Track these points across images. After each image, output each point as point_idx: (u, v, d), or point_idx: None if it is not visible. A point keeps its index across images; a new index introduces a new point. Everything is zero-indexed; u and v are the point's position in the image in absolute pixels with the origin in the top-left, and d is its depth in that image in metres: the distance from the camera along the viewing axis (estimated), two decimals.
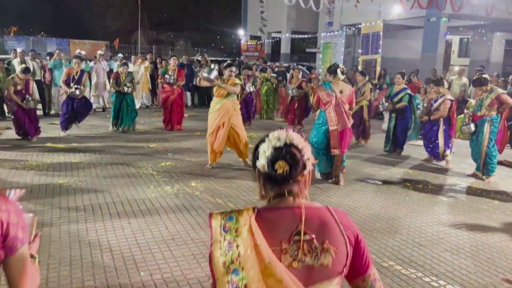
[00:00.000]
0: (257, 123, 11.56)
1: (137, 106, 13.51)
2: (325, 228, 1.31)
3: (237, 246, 1.24)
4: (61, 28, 31.38)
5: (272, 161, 1.32)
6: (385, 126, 10.87)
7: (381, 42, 15.65)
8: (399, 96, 8.08)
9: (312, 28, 21.62)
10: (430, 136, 7.35)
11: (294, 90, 10.49)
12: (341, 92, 5.92)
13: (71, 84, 8.60)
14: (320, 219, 1.33)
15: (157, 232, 4.15)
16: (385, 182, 6.26)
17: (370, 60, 16.22)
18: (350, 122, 5.94)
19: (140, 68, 13.22)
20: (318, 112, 6.24)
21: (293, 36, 22.79)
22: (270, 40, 24.35)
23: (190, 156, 7.39)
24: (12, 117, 8.38)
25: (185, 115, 11.83)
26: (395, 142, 8.27)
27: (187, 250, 3.79)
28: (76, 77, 8.67)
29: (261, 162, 1.34)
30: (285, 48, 22.71)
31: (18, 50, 11.43)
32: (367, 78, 9.54)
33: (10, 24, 33.12)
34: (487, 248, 4.12)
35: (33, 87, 8.76)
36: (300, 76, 10.88)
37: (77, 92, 8.61)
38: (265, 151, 1.34)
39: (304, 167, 1.34)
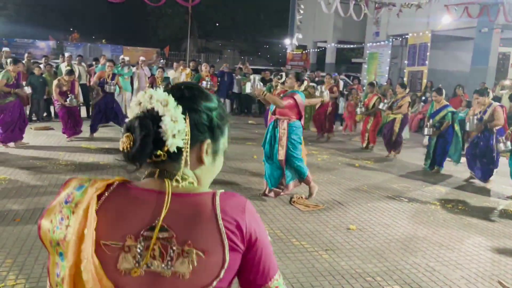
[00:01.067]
0: None
1: None
2: (194, 223, 0.96)
3: (67, 227, 0.93)
4: (119, 35, 32.93)
5: (122, 133, 0.99)
6: (425, 141, 10.38)
7: (428, 53, 15.01)
8: (440, 114, 7.58)
9: (359, 38, 21.20)
10: (486, 153, 6.80)
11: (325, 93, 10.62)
12: None
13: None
14: (193, 210, 0.97)
15: None
16: (412, 200, 5.91)
17: (416, 71, 15.60)
18: None
19: (181, 75, 13.49)
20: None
21: (338, 46, 22.43)
22: (316, 50, 24.12)
23: None
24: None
25: None
26: (434, 159, 7.84)
27: None
28: (108, 81, 8.97)
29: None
30: (330, 58, 22.40)
31: (66, 55, 11.99)
32: (407, 90, 9.09)
33: (73, 31, 35.20)
34: (510, 279, 3.74)
35: (78, 88, 9.22)
36: (332, 82, 11.11)
37: (112, 87, 9.01)
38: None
39: (160, 142, 0.97)
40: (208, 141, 1.05)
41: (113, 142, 8.63)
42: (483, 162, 6.77)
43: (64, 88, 8.54)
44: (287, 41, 26.26)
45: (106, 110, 9.03)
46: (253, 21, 30.18)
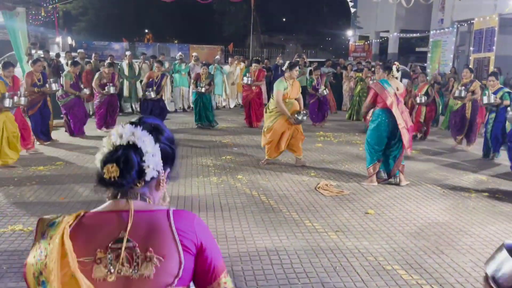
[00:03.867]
0: (347, 123, 11.43)
1: (232, 105, 14.35)
2: (152, 234, 1.17)
3: (46, 256, 1.11)
4: (188, 35, 34.35)
5: (104, 162, 1.17)
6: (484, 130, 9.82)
7: (495, 39, 14.04)
8: (497, 96, 7.26)
9: (424, 26, 20.28)
10: None
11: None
12: (397, 89, 5.70)
13: (153, 88, 9.34)
14: (150, 223, 1.19)
15: None
16: (447, 188, 5.72)
17: (483, 58, 14.65)
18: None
19: (236, 69, 13.91)
20: (371, 112, 5.98)
21: (401, 35, 21.62)
22: (378, 40, 23.45)
23: (253, 151, 7.60)
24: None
25: None
26: (490, 146, 7.49)
27: None
28: (156, 81, 9.47)
29: (97, 159, 1.21)
30: (392, 48, 21.67)
31: (127, 53, 12.88)
32: (472, 76, 8.57)
33: (147, 33, 37.31)
34: None
35: (118, 80, 9.85)
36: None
37: (152, 94, 9.24)
38: (104, 147, 1.21)
39: (141, 174, 1.18)
40: (168, 170, 1.29)
41: None
42: None
43: (105, 80, 9.18)
44: (349, 33, 25.83)
45: (153, 109, 9.40)
46: (315, 13, 29.97)
